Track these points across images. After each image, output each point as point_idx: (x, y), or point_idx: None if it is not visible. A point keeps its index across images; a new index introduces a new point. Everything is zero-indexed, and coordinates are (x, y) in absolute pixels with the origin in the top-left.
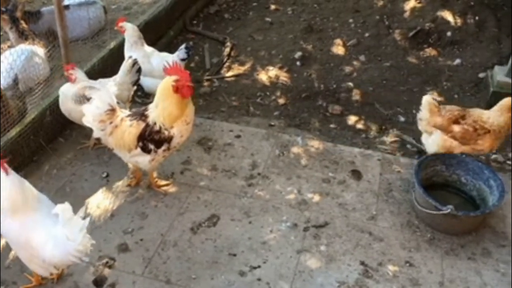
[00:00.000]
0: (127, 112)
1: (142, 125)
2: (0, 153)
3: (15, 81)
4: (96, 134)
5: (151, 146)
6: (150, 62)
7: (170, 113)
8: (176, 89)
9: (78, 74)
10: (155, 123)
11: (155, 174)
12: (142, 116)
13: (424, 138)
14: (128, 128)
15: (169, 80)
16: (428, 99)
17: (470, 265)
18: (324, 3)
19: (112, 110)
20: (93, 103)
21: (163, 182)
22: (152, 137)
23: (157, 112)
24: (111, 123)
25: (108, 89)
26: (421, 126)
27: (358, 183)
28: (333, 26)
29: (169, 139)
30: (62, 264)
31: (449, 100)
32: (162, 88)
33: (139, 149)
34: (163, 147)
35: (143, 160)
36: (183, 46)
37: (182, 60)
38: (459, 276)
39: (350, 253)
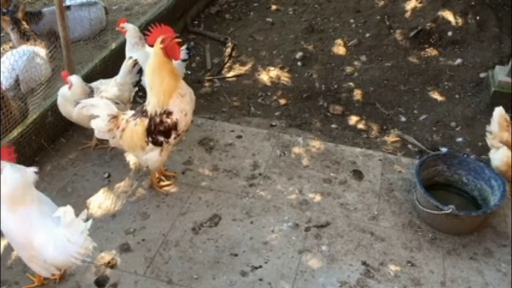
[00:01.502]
0: (131, 112)
1: (145, 121)
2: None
3: (17, 81)
4: (112, 143)
5: (161, 138)
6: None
7: (169, 84)
8: (166, 51)
9: (75, 80)
10: (156, 112)
11: (157, 174)
12: (144, 112)
13: (492, 153)
14: (134, 127)
15: (157, 47)
16: (501, 112)
17: (471, 265)
18: (325, 3)
19: (115, 117)
20: (98, 118)
21: (165, 182)
22: (158, 129)
23: (155, 92)
24: (118, 128)
25: (105, 101)
26: (489, 140)
27: (360, 183)
28: (334, 26)
29: (174, 126)
30: (64, 265)
31: (450, 100)
32: (154, 61)
33: (151, 145)
34: (173, 135)
35: (154, 155)
36: (184, 46)
37: (183, 60)
38: (461, 276)
39: (351, 253)
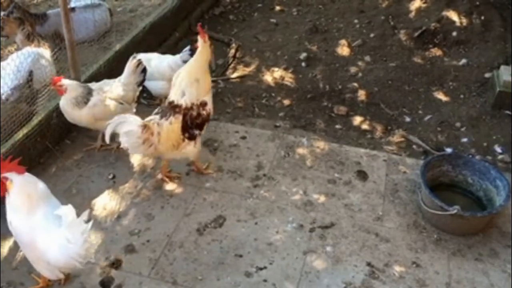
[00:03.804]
0: (153, 116)
1: (179, 117)
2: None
3: (27, 82)
4: (146, 154)
5: (196, 132)
6: (149, 65)
7: (209, 80)
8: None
9: (68, 82)
10: (192, 105)
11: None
12: (176, 108)
13: None
14: (170, 127)
15: (207, 44)
16: None
17: (477, 265)
18: (329, 3)
19: (145, 126)
20: (123, 136)
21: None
22: (195, 123)
23: (199, 86)
24: (153, 135)
25: (131, 116)
26: None
27: (364, 184)
28: (338, 26)
29: (208, 117)
30: (67, 267)
31: (455, 100)
32: (203, 57)
33: (186, 141)
34: (205, 126)
35: (190, 149)
36: (187, 47)
37: (185, 62)
38: (466, 277)
39: (356, 254)
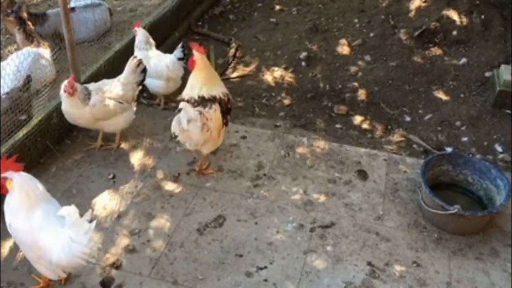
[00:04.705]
0: (191, 109)
1: (218, 105)
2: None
3: (28, 81)
4: (201, 141)
5: (228, 117)
6: (148, 64)
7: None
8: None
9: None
10: (223, 94)
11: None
12: (212, 99)
13: None
14: (215, 114)
15: (202, 55)
16: None
17: (477, 265)
18: (329, 3)
19: (200, 112)
20: (186, 124)
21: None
22: (228, 108)
23: (217, 81)
24: (207, 119)
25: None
26: None
27: (364, 183)
28: (338, 26)
29: (232, 103)
30: (69, 266)
31: (455, 99)
32: (207, 62)
33: (224, 126)
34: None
35: (221, 136)
36: (179, 45)
37: (179, 59)
38: (467, 276)
39: (356, 254)
